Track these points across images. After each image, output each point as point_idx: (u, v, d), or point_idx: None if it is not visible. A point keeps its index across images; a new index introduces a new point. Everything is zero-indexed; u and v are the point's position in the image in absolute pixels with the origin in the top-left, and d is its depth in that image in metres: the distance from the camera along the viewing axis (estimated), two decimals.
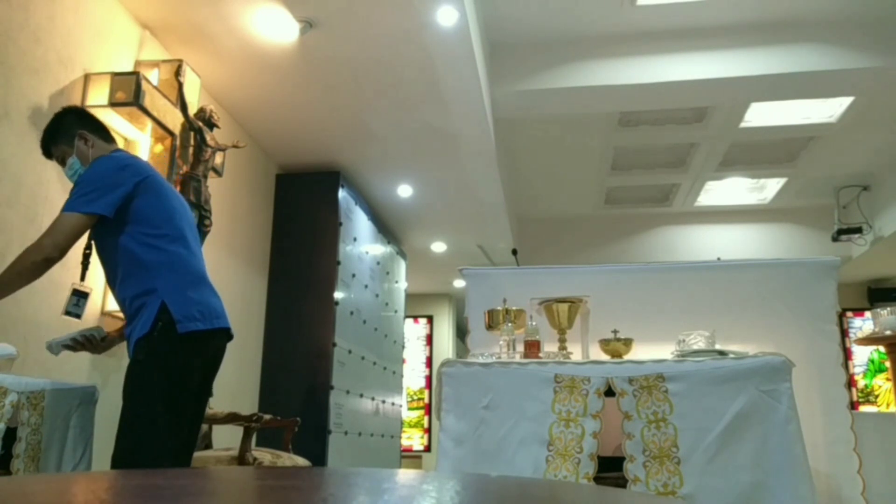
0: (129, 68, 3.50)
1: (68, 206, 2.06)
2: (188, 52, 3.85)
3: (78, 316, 2.10)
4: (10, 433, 2.19)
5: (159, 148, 3.52)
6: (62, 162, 2.24)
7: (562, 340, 2.69)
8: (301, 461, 3.48)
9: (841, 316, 4.42)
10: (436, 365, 5.57)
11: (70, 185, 2.20)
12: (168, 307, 2.03)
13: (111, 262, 2.13)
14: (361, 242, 5.83)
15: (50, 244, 2.00)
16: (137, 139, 3.51)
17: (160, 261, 2.10)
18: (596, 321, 2.74)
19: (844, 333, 8.24)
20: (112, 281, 2.16)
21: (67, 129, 2.25)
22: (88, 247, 2.30)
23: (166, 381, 2.04)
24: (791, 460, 2.10)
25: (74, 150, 2.22)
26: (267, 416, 3.44)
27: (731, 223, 7.55)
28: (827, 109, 5.52)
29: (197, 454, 3.52)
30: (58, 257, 2.01)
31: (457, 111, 4.54)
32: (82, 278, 2.28)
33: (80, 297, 2.08)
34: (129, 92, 3.22)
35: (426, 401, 9.31)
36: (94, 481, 0.88)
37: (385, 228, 6.65)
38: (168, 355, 2.04)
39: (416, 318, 9.54)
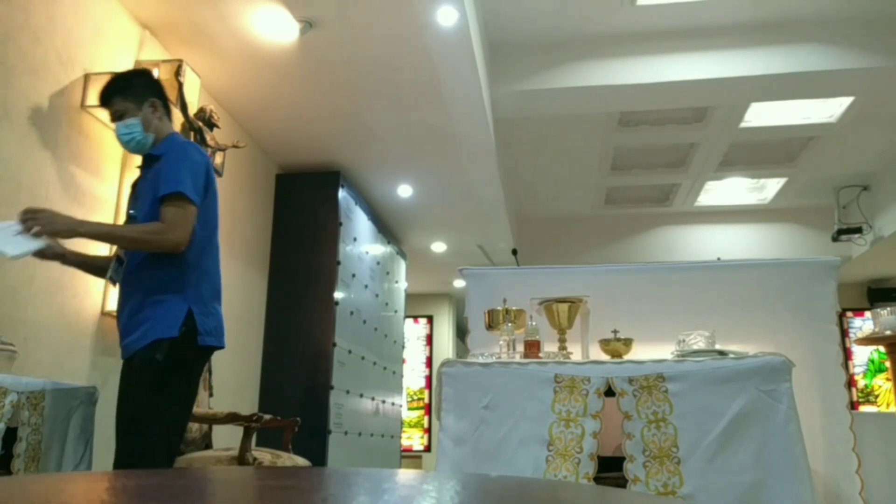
0: (129, 68, 3.50)
1: (184, 192, 2.03)
2: (188, 52, 3.85)
3: (115, 282, 2.12)
4: (10, 433, 2.19)
5: None
6: (119, 116, 2.17)
7: (562, 340, 2.69)
8: (301, 461, 3.48)
9: (841, 316, 4.42)
10: (436, 365, 5.57)
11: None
12: (194, 317, 2.05)
13: (143, 259, 2.11)
14: (361, 242, 5.83)
15: (179, 240, 2.02)
16: None
17: (199, 266, 2.12)
18: (596, 321, 2.74)
19: (844, 333, 8.24)
20: (132, 253, 2.11)
21: (140, 90, 2.21)
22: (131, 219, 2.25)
23: (185, 385, 2.08)
24: (791, 460, 2.10)
25: (141, 113, 2.17)
26: (267, 416, 3.43)
27: (731, 223, 7.55)
28: (827, 109, 5.52)
29: (197, 454, 3.53)
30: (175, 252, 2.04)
31: (457, 111, 4.54)
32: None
33: (119, 263, 2.10)
34: None
35: (426, 401, 9.31)
36: (94, 481, 0.88)
37: (385, 228, 6.65)
38: (187, 363, 2.07)
39: (416, 318, 9.54)
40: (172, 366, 2.03)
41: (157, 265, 2.07)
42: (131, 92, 2.18)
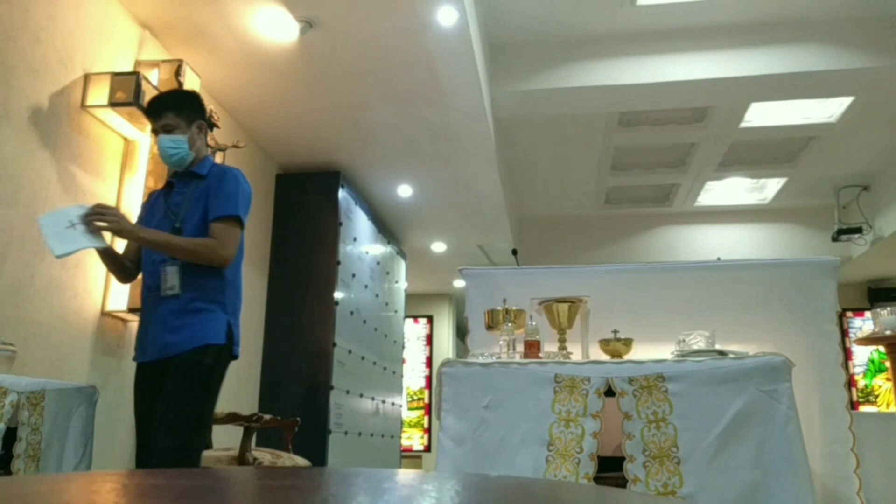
0: (129, 68, 3.51)
1: (240, 216, 2.26)
2: (188, 52, 3.85)
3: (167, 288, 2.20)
4: (10, 433, 2.19)
5: None
6: (166, 130, 2.27)
7: (562, 340, 2.69)
8: (301, 461, 3.48)
9: (841, 316, 4.42)
10: (436, 365, 5.57)
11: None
12: (232, 328, 2.24)
13: (194, 264, 2.23)
14: (361, 242, 5.83)
15: (228, 257, 2.22)
16: (137, 139, 3.51)
17: (234, 284, 2.33)
18: (596, 321, 2.74)
19: (844, 333, 8.24)
20: (189, 275, 2.20)
21: (192, 112, 2.33)
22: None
23: (218, 390, 2.21)
24: (791, 460, 2.10)
25: (189, 132, 2.30)
26: (267, 416, 3.44)
27: (731, 223, 7.55)
28: (827, 109, 5.52)
29: None
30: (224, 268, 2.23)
31: (457, 111, 4.54)
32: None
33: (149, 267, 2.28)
34: (129, 92, 3.22)
35: (426, 401, 9.31)
36: (93, 481, 0.88)
37: (385, 228, 6.65)
38: (224, 370, 2.22)
39: (416, 318, 9.54)
40: (218, 371, 2.19)
41: (201, 276, 2.21)
42: (184, 111, 2.31)
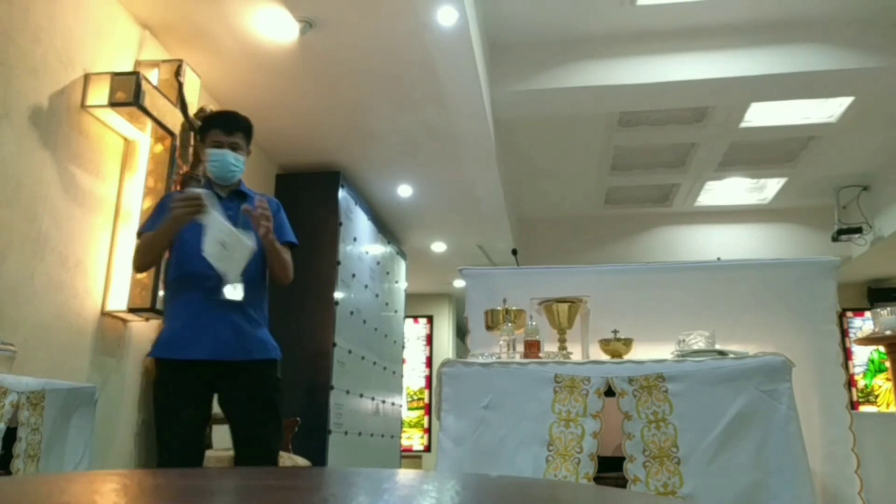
0: (129, 68, 3.51)
1: (297, 244, 2.47)
2: (188, 52, 3.85)
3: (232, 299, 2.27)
4: (10, 433, 2.19)
5: (159, 148, 3.53)
6: (234, 147, 2.38)
7: (562, 340, 2.69)
8: (301, 461, 3.48)
9: (841, 316, 4.42)
10: (436, 365, 5.57)
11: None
12: None
13: (262, 280, 2.40)
14: (361, 242, 5.83)
15: (290, 280, 2.40)
16: (137, 139, 3.51)
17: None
18: (596, 321, 2.74)
19: (844, 333, 8.24)
20: (254, 288, 2.34)
21: (251, 140, 2.50)
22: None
23: None
24: (791, 460, 2.10)
25: (246, 156, 2.45)
26: None
27: (731, 223, 7.55)
28: (827, 109, 5.52)
29: None
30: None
31: (457, 111, 4.53)
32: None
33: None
34: (129, 92, 3.22)
35: (426, 401, 9.31)
36: (94, 481, 0.88)
37: (385, 228, 6.65)
38: None
39: (416, 318, 9.54)
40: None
41: (261, 291, 2.38)
42: (249, 137, 2.47)
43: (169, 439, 2.19)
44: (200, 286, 2.21)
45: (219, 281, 2.18)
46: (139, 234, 2.40)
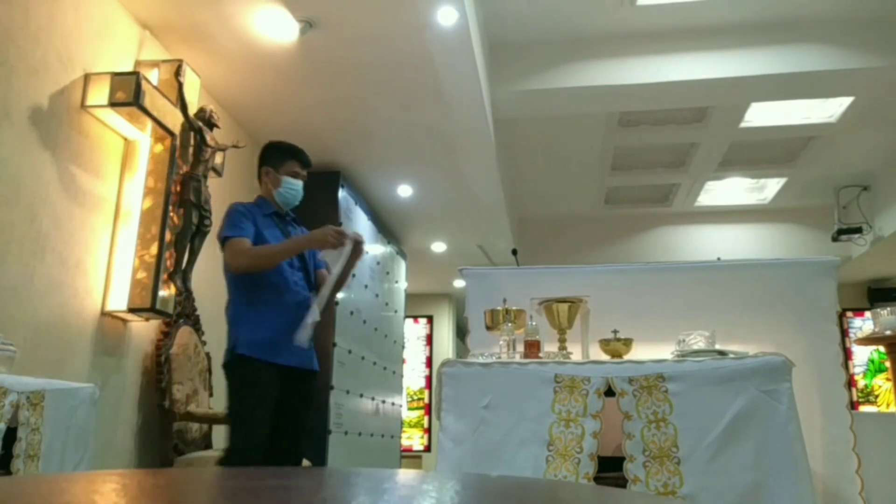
0: (129, 68, 3.50)
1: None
2: (188, 52, 3.85)
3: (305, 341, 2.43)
4: (10, 433, 2.19)
5: (159, 148, 3.53)
6: (304, 180, 2.71)
7: (562, 340, 2.69)
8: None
9: (841, 316, 4.42)
10: (436, 365, 5.56)
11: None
12: None
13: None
14: None
15: None
16: (137, 139, 3.51)
17: None
18: (596, 321, 2.74)
19: (844, 333, 8.24)
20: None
21: None
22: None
23: None
24: (791, 460, 2.10)
25: None
26: None
27: (731, 223, 7.55)
28: (827, 109, 5.52)
29: (197, 454, 3.53)
30: None
31: (457, 111, 4.53)
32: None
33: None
34: (129, 92, 3.22)
35: (426, 401, 9.31)
36: (94, 481, 0.88)
37: (385, 228, 6.65)
38: None
39: (416, 318, 9.53)
40: None
41: None
42: None
43: (254, 432, 2.34)
44: (297, 297, 2.48)
45: (308, 301, 2.47)
46: (226, 239, 2.45)
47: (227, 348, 2.42)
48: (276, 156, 2.65)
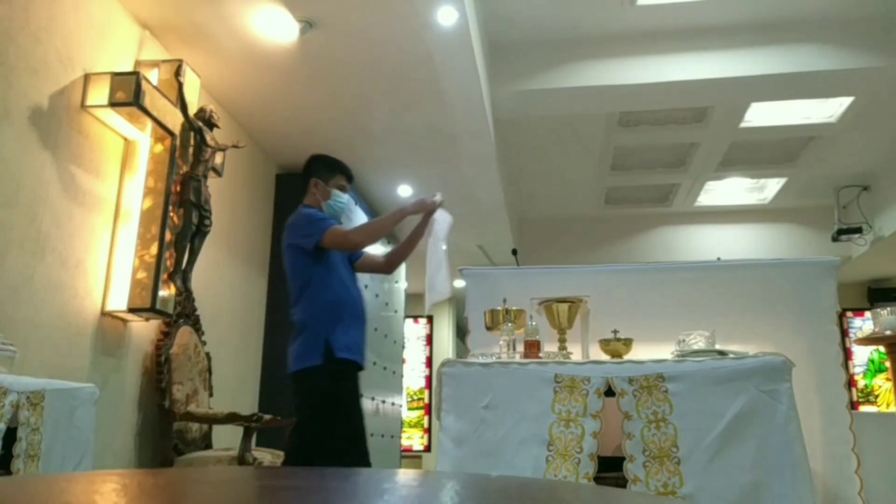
0: (129, 68, 3.50)
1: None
2: (188, 52, 3.85)
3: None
4: (10, 433, 2.19)
5: (159, 148, 3.53)
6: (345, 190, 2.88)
7: (562, 340, 2.69)
8: None
9: (841, 316, 4.42)
10: (436, 365, 5.56)
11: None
12: None
13: None
14: None
15: None
16: (137, 139, 3.51)
17: None
18: (596, 321, 2.74)
19: (844, 333, 8.24)
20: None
21: None
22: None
23: None
24: (791, 460, 2.10)
25: None
26: (267, 416, 3.44)
27: (731, 223, 7.55)
28: (827, 109, 5.52)
29: (197, 454, 3.53)
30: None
31: (457, 111, 4.53)
32: None
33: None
34: (129, 92, 3.22)
35: (426, 401, 9.31)
36: (94, 481, 0.88)
37: None
38: None
39: (416, 318, 9.53)
40: None
41: None
42: None
43: (357, 430, 2.60)
44: (360, 300, 2.76)
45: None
46: (327, 228, 2.62)
47: (314, 352, 2.55)
48: (325, 169, 2.81)
